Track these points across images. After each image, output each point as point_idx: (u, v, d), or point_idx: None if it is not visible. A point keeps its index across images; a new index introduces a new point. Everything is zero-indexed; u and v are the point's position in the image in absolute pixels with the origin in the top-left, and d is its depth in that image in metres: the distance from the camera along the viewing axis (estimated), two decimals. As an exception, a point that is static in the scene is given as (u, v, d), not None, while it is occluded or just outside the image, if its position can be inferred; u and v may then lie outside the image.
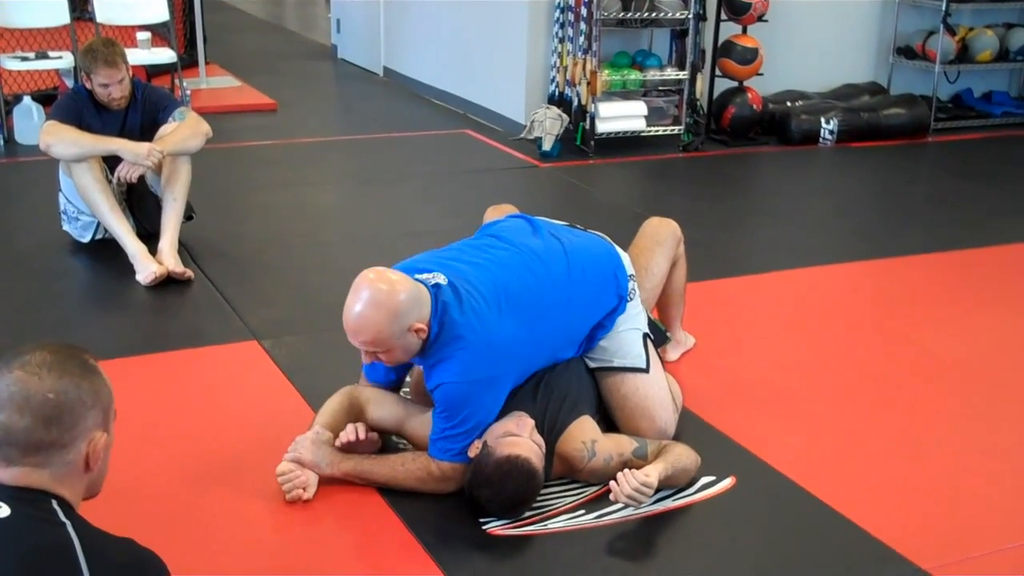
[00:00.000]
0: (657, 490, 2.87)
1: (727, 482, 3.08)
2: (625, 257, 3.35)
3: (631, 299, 3.27)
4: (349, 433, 3.01)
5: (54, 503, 1.81)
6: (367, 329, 2.77)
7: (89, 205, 4.64)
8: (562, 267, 3.12)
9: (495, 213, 3.65)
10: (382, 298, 2.74)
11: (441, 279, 2.90)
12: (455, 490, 2.93)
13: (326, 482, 2.98)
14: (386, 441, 3.15)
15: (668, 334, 3.73)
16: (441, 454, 2.92)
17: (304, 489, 2.93)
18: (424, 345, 2.85)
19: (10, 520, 1.75)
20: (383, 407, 3.13)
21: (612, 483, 2.82)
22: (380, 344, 2.79)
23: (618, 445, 3.03)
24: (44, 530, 1.76)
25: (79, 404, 1.84)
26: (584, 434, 3.02)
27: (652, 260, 3.54)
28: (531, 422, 2.89)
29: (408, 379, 3.28)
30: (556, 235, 3.25)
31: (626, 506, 2.88)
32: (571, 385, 3.12)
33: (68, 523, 1.78)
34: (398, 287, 2.78)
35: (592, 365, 3.24)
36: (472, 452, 2.86)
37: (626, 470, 2.83)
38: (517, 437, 2.81)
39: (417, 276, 2.89)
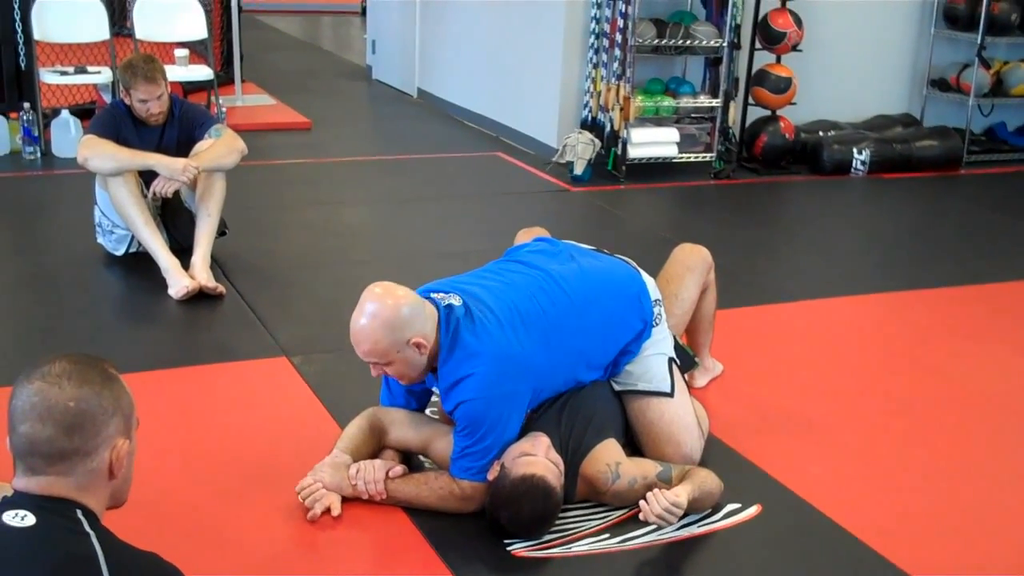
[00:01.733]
0: (683, 514, 2.87)
1: (753, 510, 3.07)
2: (650, 282, 3.35)
3: (656, 324, 3.27)
4: (361, 492, 3.00)
5: (79, 512, 1.82)
6: (365, 340, 2.83)
7: (124, 219, 4.68)
8: (579, 290, 3.13)
9: (525, 236, 3.66)
10: (381, 310, 2.81)
11: (455, 300, 2.94)
12: (477, 510, 2.93)
13: (351, 500, 2.99)
14: (411, 459, 3.16)
15: (696, 359, 3.72)
16: (462, 473, 2.92)
17: (325, 507, 2.94)
18: (432, 363, 2.89)
19: (35, 529, 1.77)
20: (407, 428, 3.13)
21: (642, 502, 2.83)
22: (379, 355, 2.85)
23: (642, 468, 3.03)
24: (69, 540, 1.78)
25: (100, 412, 1.86)
26: (608, 456, 3.02)
27: (682, 287, 3.55)
28: (547, 440, 2.90)
29: (434, 397, 3.28)
30: (577, 259, 3.26)
31: (655, 527, 2.87)
32: (596, 408, 3.13)
33: (93, 534, 1.79)
34: (400, 301, 2.83)
35: (617, 388, 3.24)
36: (491, 475, 2.87)
37: (656, 490, 2.84)
38: (532, 457, 2.82)
39: (431, 295, 2.94)
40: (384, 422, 3.14)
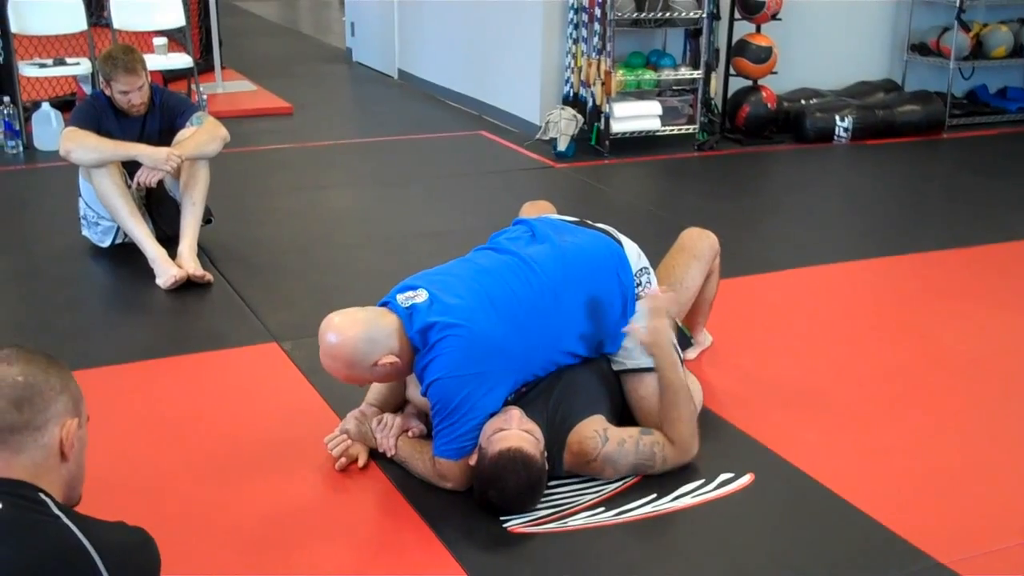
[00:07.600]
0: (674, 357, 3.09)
1: (745, 479, 3.09)
2: (632, 251, 3.32)
3: (642, 296, 3.26)
4: (383, 440, 3.10)
5: (41, 495, 1.83)
6: (336, 374, 2.97)
7: (109, 210, 4.67)
8: (553, 271, 3.11)
9: (531, 210, 3.71)
10: (339, 350, 2.90)
11: (421, 296, 2.96)
12: (454, 489, 2.97)
13: (346, 480, 3.02)
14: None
15: (692, 339, 3.73)
16: (437, 451, 2.96)
17: (352, 457, 3.09)
18: (410, 362, 2.95)
19: (4, 514, 1.77)
20: (415, 387, 3.15)
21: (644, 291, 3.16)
22: (353, 382, 3.02)
23: (628, 431, 3.07)
24: (41, 525, 1.77)
25: (48, 387, 1.89)
26: (596, 424, 3.04)
27: (687, 273, 3.55)
28: (517, 412, 2.91)
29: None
30: (552, 238, 3.24)
31: (651, 498, 2.93)
32: (587, 386, 3.13)
33: (62, 515, 1.79)
34: (356, 334, 2.88)
35: (614, 368, 3.25)
36: (472, 460, 2.89)
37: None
38: (504, 431, 2.83)
39: (399, 296, 2.97)
40: (407, 378, 3.18)
